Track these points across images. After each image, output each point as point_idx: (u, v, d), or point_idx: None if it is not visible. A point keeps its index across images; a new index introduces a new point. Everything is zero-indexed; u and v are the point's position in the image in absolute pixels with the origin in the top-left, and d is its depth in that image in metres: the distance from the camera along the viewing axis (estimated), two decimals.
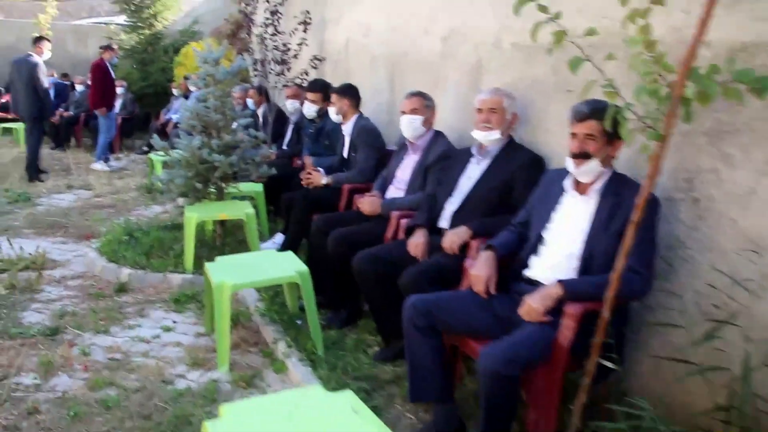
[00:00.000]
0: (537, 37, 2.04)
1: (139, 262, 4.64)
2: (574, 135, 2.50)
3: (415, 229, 3.34)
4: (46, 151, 10.94)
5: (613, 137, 2.43)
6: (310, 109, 5.25)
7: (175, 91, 10.81)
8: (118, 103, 11.00)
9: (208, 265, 3.45)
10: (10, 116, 12.68)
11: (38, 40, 8.47)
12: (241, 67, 5.01)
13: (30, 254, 4.90)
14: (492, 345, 2.28)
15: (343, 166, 4.82)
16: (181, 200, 5.47)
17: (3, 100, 13.02)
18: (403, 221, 3.53)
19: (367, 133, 4.51)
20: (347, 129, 4.67)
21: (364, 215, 3.86)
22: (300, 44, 6.96)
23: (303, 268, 3.36)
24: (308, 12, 6.92)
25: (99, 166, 9.06)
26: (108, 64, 9.07)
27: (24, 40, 13.52)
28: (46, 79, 8.29)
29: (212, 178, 4.89)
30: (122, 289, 4.35)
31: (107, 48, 8.71)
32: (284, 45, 7.00)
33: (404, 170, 3.91)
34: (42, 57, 8.35)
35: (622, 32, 1.98)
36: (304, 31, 6.93)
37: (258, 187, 5.45)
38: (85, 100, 10.48)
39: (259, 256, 3.66)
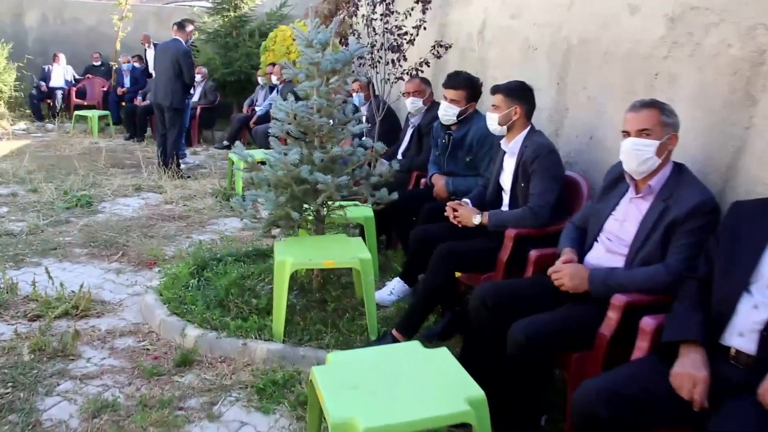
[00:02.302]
0: None
1: (210, 318, 3.36)
2: None
3: (682, 346, 1.91)
4: (119, 143, 10.04)
5: None
6: (448, 112, 3.84)
7: (260, 80, 9.64)
8: (198, 92, 9.97)
9: (316, 374, 2.11)
10: (86, 103, 11.89)
11: (183, 23, 7.62)
12: (357, 52, 3.66)
13: (73, 292, 3.73)
14: None
15: (497, 198, 3.42)
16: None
17: (80, 86, 12.21)
18: (648, 323, 2.10)
19: (547, 156, 3.08)
20: (512, 147, 3.25)
21: (557, 288, 2.46)
22: (417, 27, 5.57)
23: (478, 394, 1.98)
24: None
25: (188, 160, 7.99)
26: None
27: (105, 23, 12.71)
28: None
29: (312, 204, 3.59)
30: (186, 361, 3.09)
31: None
32: (397, 27, 5.63)
33: (625, 223, 2.47)
34: (189, 42, 7.67)
35: None
36: (423, 11, 5.54)
37: (368, 212, 4.11)
38: None
39: (396, 355, 2.29)
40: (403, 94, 5.67)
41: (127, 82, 11.20)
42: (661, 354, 1.96)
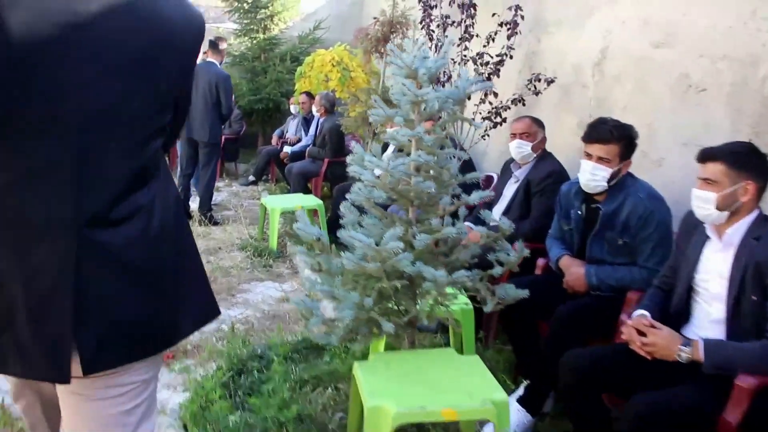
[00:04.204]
0: None
1: None
2: None
3: None
4: None
5: None
6: (596, 176, 2.72)
7: (292, 109, 8.58)
8: None
9: None
10: None
11: (217, 42, 6.36)
12: (476, 87, 2.58)
13: None
14: None
15: (686, 307, 2.29)
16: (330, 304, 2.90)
17: None
18: None
19: None
20: (731, 236, 2.13)
21: None
22: (501, 56, 4.53)
23: None
24: (519, 8, 4.47)
25: (194, 204, 6.80)
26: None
27: None
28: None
29: (410, 307, 2.48)
30: None
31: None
32: (479, 55, 4.59)
33: None
34: (222, 64, 6.53)
35: None
36: (509, 37, 4.50)
37: (464, 303, 3.00)
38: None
39: None
40: (482, 136, 4.64)
41: None
42: None
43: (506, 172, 3.86)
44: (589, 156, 2.78)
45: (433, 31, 4.88)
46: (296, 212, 2.52)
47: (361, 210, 2.69)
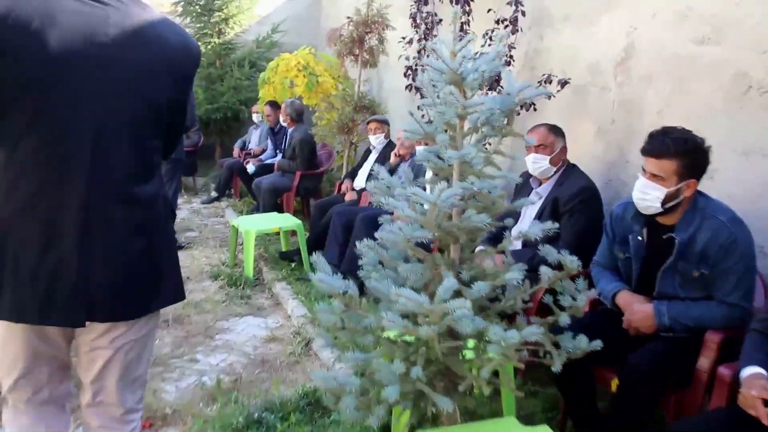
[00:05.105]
0: None
1: None
2: None
3: None
4: None
5: None
6: (647, 195, 2.27)
7: (255, 118, 7.98)
8: None
9: None
10: None
11: None
12: (528, 95, 2.11)
13: None
14: None
15: None
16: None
17: None
18: None
19: None
20: None
21: None
22: (503, 56, 4.08)
23: None
24: (519, 2, 4.05)
25: None
26: None
27: None
28: None
29: (458, 369, 1.98)
30: None
31: None
32: (478, 55, 4.13)
33: None
34: None
35: None
36: (510, 33, 4.07)
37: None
38: None
39: None
40: (483, 144, 4.18)
41: None
42: None
43: (525, 187, 3.39)
44: (643, 171, 2.35)
45: (429, 29, 4.40)
46: (312, 258, 1.98)
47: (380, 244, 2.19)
